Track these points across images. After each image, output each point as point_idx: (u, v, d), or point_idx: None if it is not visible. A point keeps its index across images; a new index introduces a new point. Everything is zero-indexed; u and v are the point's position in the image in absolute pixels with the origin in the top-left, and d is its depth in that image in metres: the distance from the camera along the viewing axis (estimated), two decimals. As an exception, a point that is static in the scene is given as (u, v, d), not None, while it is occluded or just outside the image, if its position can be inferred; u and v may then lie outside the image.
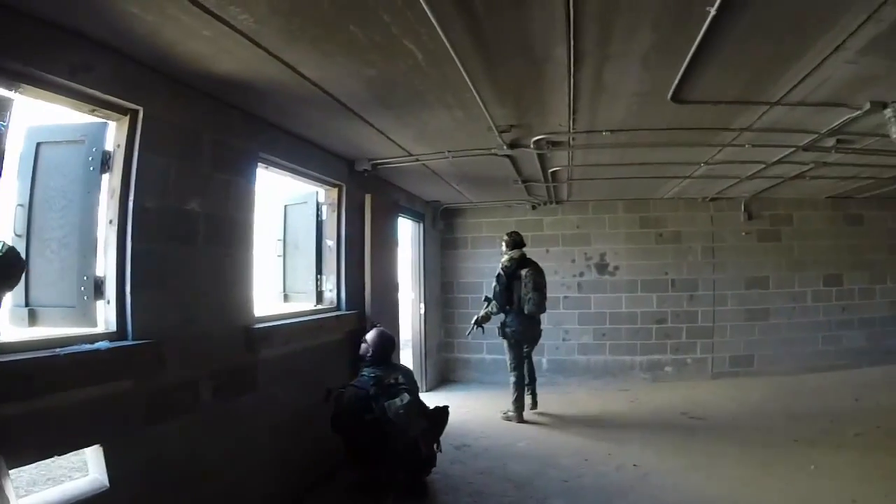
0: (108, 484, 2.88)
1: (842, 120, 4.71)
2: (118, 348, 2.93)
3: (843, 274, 9.49)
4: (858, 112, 4.45)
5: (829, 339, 9.39)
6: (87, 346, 2.79)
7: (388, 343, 5.39)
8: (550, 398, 8.20)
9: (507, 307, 7.35)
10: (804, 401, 7.71)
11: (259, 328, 4.21)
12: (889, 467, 5.17)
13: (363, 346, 5.34)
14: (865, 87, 4.07)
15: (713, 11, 2.83)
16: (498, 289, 7.33)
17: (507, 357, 7.52)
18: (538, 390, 7.67)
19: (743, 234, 9.51)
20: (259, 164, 4.45)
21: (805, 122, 4.88)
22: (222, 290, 3.90)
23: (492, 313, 7.44)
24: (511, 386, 7.42)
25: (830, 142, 5.42)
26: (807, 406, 7.43)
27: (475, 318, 7.58)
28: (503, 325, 7.40)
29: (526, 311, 7.25)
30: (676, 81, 3.81)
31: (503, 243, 7.66)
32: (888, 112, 4.36)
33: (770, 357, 9.38)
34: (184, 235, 3.53)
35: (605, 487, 5.06)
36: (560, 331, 9.47)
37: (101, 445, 2.87)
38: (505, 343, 7.48)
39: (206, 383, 3.64)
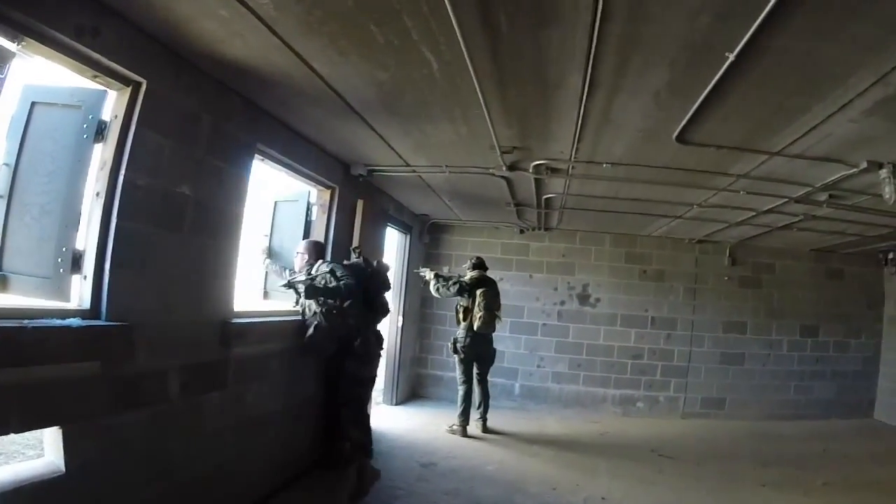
0: (63, 469, 2.75)
1: (837, 176, 4.80)
2: (89, 328, 2.81)
3: (820, 325, 9.67)
4: (854, 170, 4.54)
5: (801, 388, 9.58)
6: (57, 322, 2.67)
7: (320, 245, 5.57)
8: (521, 423, 8.32)
9: (460, 322, 7.60)
10: (773, 447, 7.77)
11: (236, 324, 4.10)
12: None
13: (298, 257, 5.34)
14: (864, 147, 4.15)
15: (732, 58, 2.85)
16: (451, 290, 7.47)
17: (456, 371, 7.72)
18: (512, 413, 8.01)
19: (725, 278, 9.65)
20: (256, 155, 4.36)
21: (801, 174, 4.93)
22: (203, 281, 3.79)
23: (437, 284, 7.53)
24: (459, 399, 7.59)
25: (823, 196, 5.48)
26: (776, 452, 7.48)
27: (429, 271, 7.79)
28: (455, 340, 7.65)
29: (475, 329, 7.43)
30: (684, 122, 3.84)
31: (468, 263, 7.84)
32: (883, 172, 4.44)
33: (742, 401, 9.51)
34: (171, 219, 3.42)
35: (572, 520, 4.96)
36: (535, 357, 9.46)
37: (61, 428, 2.74)
38: (455, 358, 7.68)
39: (175, 375, 3.51)
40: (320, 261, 5.24)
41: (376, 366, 5.64)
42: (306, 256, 5.28)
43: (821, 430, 8.77)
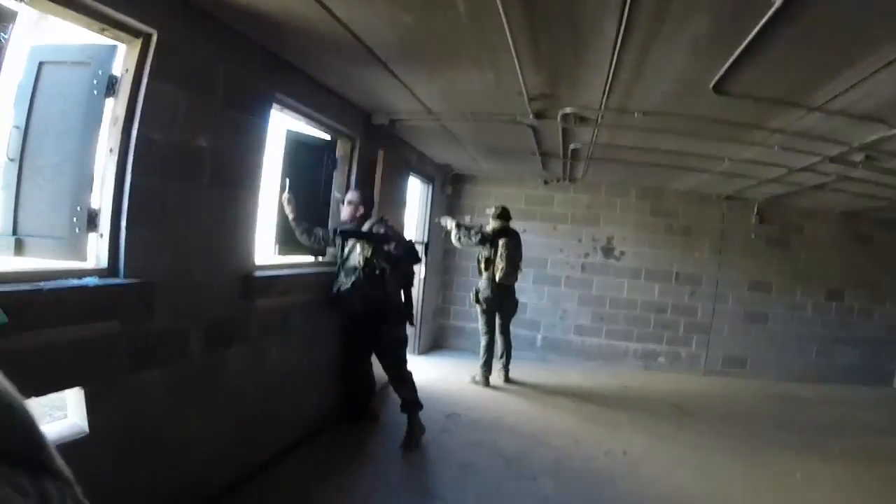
0: (87, 430, 2.74)
1: (876, 136, 4.61)
2: (107, 287, 2.75)
3: (846, 290, 9.54)
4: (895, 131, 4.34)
5: (823, 352, 9.51)
6: (74, 282, 2.61)
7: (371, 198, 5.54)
8: (543, 375, 8.42)
9: (482, 273, 7.61)
10: (792, 409, 7.80)
11: (258, 277, 4.05)
12: (872, 486, 5.26)
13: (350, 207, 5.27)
14: None
15: (778, 3, 2.65)
16: (473, 240, 7.42)
17: (478, 322, 7.77)
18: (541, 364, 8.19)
19: (752, 236, 9.46)
20: (274, 105, 4.23)
21: (839, 132, 4.73)
22: (223, 234, 3.71)
23: (458, 234, 7.45)
24: (481, 350, 7.66)
25: (859, 157, 5.28)
26: (795, 415, 7.51)
27: (450, 220, 7.70)
28: (476, 290, 7.67)
29: (496, 279, 7.43)
30: (722, 71, 3.63)
31: (491, 211, 7.76)
32: None
33: (763, 361, 9.49)
34: (188, 172, 3.33)
35: (594, 472, 5.09)
36: (558, 309, 9.40)
37: (83, 388, 2.72)
38: (478, 308, 7.73)
39: (196, 330, 3.47)
40: (374, 220, 5.21)
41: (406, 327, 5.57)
42: (361, 209, 5.22)
43: (841, 395, 8.74)
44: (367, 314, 5.11)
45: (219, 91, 3.50)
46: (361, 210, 5.22)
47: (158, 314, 3.10)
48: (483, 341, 7.61)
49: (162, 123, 3.06)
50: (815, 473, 5.44)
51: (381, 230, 5.06)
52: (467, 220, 8.11)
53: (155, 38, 2.95)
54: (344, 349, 5.53)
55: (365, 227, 5.09)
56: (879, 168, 5.59)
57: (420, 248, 5.48)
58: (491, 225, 7.60)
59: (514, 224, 7.83)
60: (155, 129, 3.01)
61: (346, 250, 5.09)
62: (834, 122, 4.45)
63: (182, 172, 3.27)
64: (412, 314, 5.43)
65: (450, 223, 7.57)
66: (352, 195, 5.29)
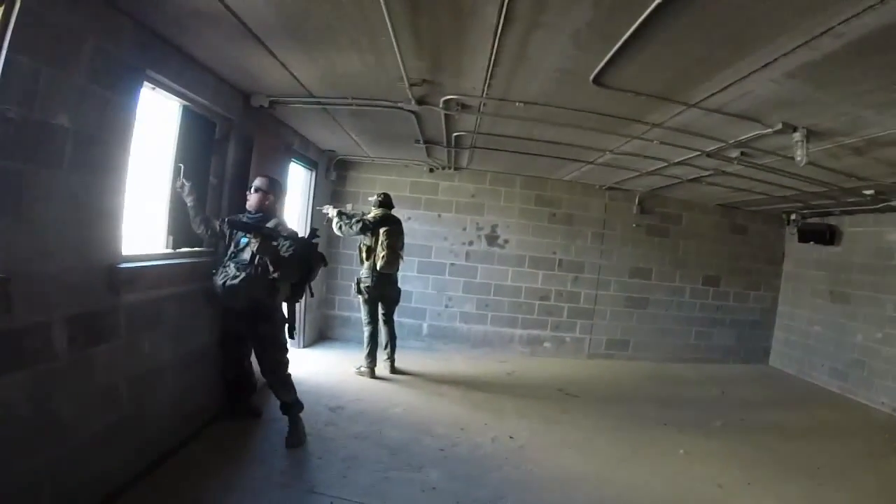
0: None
1: (751, 134, 4.86)
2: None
3: (722, 277, 10.28)
4: (769, 130, 4.61)
5: (702, 334, 10.21)
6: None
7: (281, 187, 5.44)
8: (429, 363, 8.48)
9: (363, 262, 7.53)
10: (674, 388, 8.25)
11: (125, 268, 3.76)
12: (751, 457, 5.59)
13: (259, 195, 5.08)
14: (781, 109, 4.21)
15: (659, -1, 2.70)
16: (354, 229, 7.29)
17: (361, 312, 7.68)
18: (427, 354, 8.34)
19: (633, 225, 9.92)
20: (146, 83, 3.95)
21: (715, 129, 4.96)
22: (87, 222, 3.42)
23: (339, 222, 7.33)
24: (364, 340, 7.58)
25: (735, 153, 5.58)
26: (677, 394, 7.93)
27: (331, 208, 7.60)
28: (358, 280, 7.56)
29: (378, 268, 7.36)
30: (602, 64, 3.72)
31: (373, 199, 7.74)
32: (797, 135, 4.56)
33: (645, 344, 10.02)
34: (48, 155, 3.03)
35: (480, 458, 5.13)
36: (443, 297, 9.42)
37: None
38: (360, 298, 7.65)
39: (60, 328, 3.19)
40: (279, 220, 5.07)
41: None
42: (270, 196, 5.08)
43: (719, 374, 9.38)
44: (250, 312, 4.92)
45: (84, 65, 3.21)
46: (271, 198, 5.06)
47: (16, 312, 2.82)
48: (367, 331, 7.52)
49: (20, 100, 2.78)
50: (698, 448, 5.72)
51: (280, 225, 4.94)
52: (349, 207, 7.90)
53: (18, 5, 2.67)
54: (223, 345, 5.30)
55: (272, 221, 4.94)
56: (754, 164, 5.88)
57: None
58: (373, 213, 7.52)
59: (399, 212, 7.80)
60: (12, 107, 2.73)
61: (242, 242, 4.85)
62: (711, 119, 4.64)
63: (41, 154, 2.98)
64: (294, 326, 5.25)
65: (331, 211, 7.41)
66: (260, 182, 5.09)
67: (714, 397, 7.91)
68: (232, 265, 4.78)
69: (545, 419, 6.33)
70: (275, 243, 4.67)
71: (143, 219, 4.35)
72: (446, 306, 9.61)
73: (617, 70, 3.78)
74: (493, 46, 3.63)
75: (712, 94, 4.08)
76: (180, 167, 4.59)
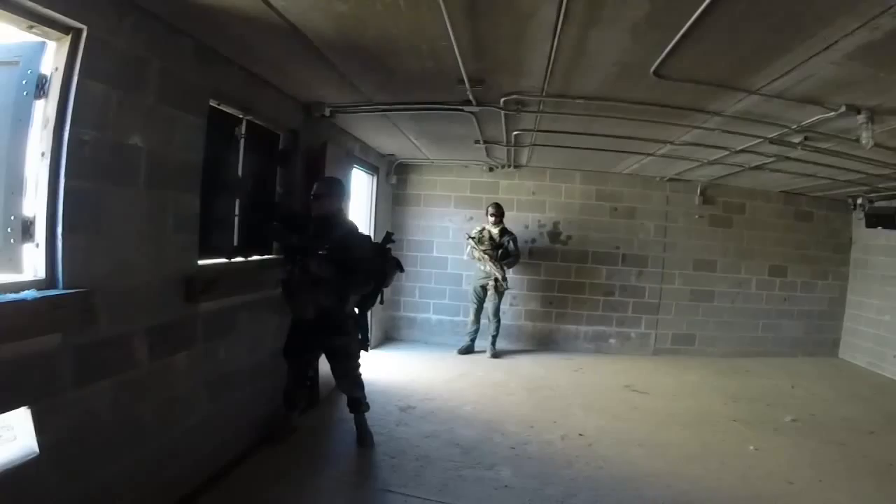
0: (37, 449, 2.63)
1: (814, 118, 4.73)
2: (46, 298, 2.60)
3: (788, 266, 9.90)
4: (832, 113, 4.48)
5: (769, 326, 9.87)
6: (11, 296, 2.47)
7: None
8: (495, 361, 8.54)
9: (493, 263, 8.54)
10: (743, 383, 8.02)
11: (200, 279, 3.90)
12: (822, 454, 5.43)
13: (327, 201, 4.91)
14: (844, 91, 4.09)
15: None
16: (514, 248, 8.68)
17: (498, 306, 8.80)
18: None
19: (696, 217, 9.69)
20: (211, 100, 4.10)
21: (778, 114, 4.84)
22: (163, 236, 3.57)
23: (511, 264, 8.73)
24: (498, 330, 8.86)
25: (798, 138, 5.41)
26: (745, 389, 7.71)
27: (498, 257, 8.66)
28: (501, 280, 8.60)
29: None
30: (662, 56, 3.67)
31: (494, 214, 8.72)
32: (861, 118, 4.41)
33: (711, 338, 9.75)
34: (124, 173, 3.19)
35: (551, 456, 5.11)
36: (508, 296, 9.34)
37: (29, 407, 2.60)
38: (498, 297, 8.74)
39: (140, 338, 3.35)
40: (348, 227, 4.99)
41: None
42: (334, 200, 4.94)
43: (787, 367, 9.06)
44: (321, 323, 4.80)
45: (152, 87, 3.36)
46: (335, 201, 4.90)
47: (101, 324, 2.98)
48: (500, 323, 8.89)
49: (94, 123, 2.93)
50: (768, 445, 5.58)
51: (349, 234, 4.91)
52: (475, 233, 8.67)
53: (85, 33, 2.81)
54: (288, 355, 5.06)
55: (338, 229, 4.82)
56: (818, 149, 5.73)
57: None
58: (497, 227, 8.73)
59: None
60: (87, 130, 2.87)
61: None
62: (772, 104, 4.54)
63: (117, 174, 3.14)
64: (367, 337, 5.20)
65: (481, 257, 8.65)
66: (319, 186, 4.93)
67: (783, 391, 7.68)
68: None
69: (614, 416, 6.27)
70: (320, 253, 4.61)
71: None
72: (511, 304, 9.57)
73: (676, 60, 3.73)
74: (552, 45, 3.63)
75: (773, 80, 3.99)
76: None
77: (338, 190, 5.00)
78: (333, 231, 4.77)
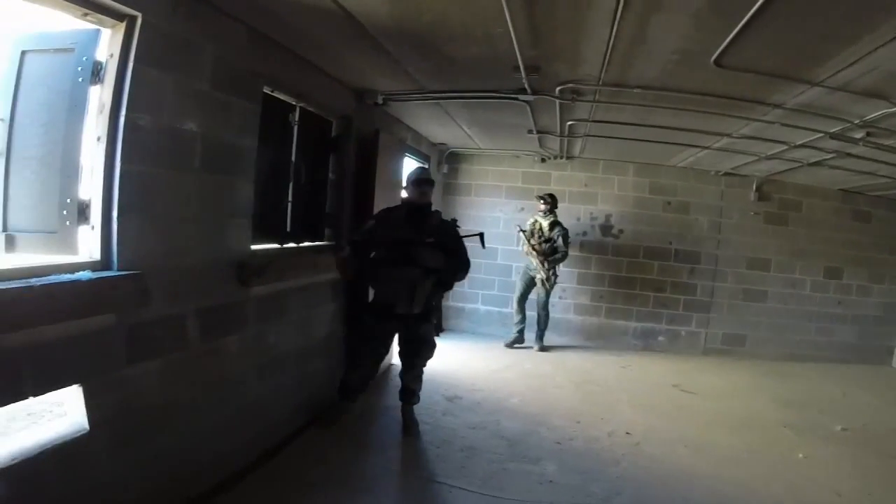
0: (87, 427, 2.67)
1: (878, 113, 4.57)
2: (101, 279, 2.64)
3: (844, 268, 9.52)
4: None
5: (823, 330, 9.51)
6: (67, 277, 2.51)
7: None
8: (543, 354, 8.51)
9: (548, 258, 8.53)
10: (793, 388, 7.79)
11: (253, 263, 3.93)
12: (873, 466, 5.23)
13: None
14: None
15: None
16: (563, 244, 8.49)
17: (546, 300, 8.71)
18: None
19: (751, 213, 9.43)
20: (265, 86, 4.13)
21: (840, 108, 4.68)
22: (217, 220, 3.62)
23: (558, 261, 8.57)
24: (546, 323, 8.80)
25: (860, 133, 5.23)
26: (796, 393, 7.49)
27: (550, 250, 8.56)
28: (552, 275, 8.60)
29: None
30: (724, 44, 3.56)
31: (546, 202, 8.57)
32: None
33: (763, 339, 9.48)
34: (178, 158, 3.23)
35: (597, 453, 5.06)
36: (558, 288, 9.24)
37: (81, 385, 2.65)
38: (545, 291, 8.64)
39: (192, 319, 3.40)
40: (439, 216, 5.15)
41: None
42: (432, 191, 5.06)
43: (840, 373, 8.75)
44: (409, 312, 4.90)
45: (207, 73, 3.39)
46: (431, 192, 5.03)
47: (153, 305, 3.01)
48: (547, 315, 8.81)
49: (149, 108, 2.96)
50: (817, 453, 5.41)
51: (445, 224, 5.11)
52: (528, 225, 8.68)
53: (139, 20, 2.83)
54: (364, 345, 5.07)
55: (434, 218, 5.02)
56: (880, 145, 5.53)
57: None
58: (548, 220, 8.60)
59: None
60: (142, 115, 2.91)
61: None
62: (835, 97, 4.38)
63: (172, 158, 3.17)
64: (441, 322, 5.46)
65: (530, 251, 8.61)
66: (424, 174, 5.14)
67: (834, 399, 7.43)
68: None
69: (661, 415, 6.18)
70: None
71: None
72: (560, 297, 9.47)
73: (738, 49, 3.62)
74: (610, 32, 3.54)
75: (837, 72, 3.84)
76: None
77: (433, 179, 5.12)
78: (429, 219, 4.94)
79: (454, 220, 5.25)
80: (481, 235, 5.37)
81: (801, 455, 5.33)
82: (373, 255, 4.92)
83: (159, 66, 3.00)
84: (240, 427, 4.00)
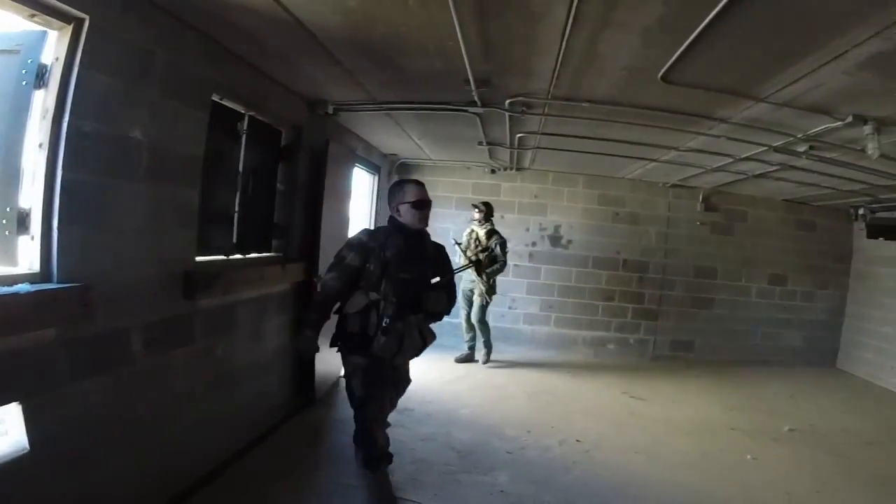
0: (27, 446, 2.55)
1: (821, 128, 4.71)
2: (41, 292, 2.52)
3: (789, 275, 9.97)
4: (839, 123, 4.46)
5: (769, 335, 9.93)
6: (4, 289, 2.39)
7: None
8: (493, 365, 8.45)
9: (486, 269, 8.08)
10: (741, 391, 8.04)
11: (199, 275, 3.83)
12: (821, 464, 5.44)
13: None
14: (852, 101, 4.06)
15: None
16: (501, 253, 8.10)
17: (480, 315, 8.28)
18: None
19: (698, 223, 9.74)
20: (214, 94, 4.06)
21: (785, 123, 4.80)
22: (162, 231, 3.50)
23: (496, 272, 8.17)
24: (489, 337, 8.47)
25: (803, 147, 5.39)
26: (744, 397, 7.74)
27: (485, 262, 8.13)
28: (491, 287, 8.18)
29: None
30: (672, 61, 3.62)
31: (481, 210, 8.21)
32: (867, 128, 4.40)
33: (710, 345, 9.82)
34: (123, 166, 3.12)
35: (548, 462, 5.10)
36: (507, 299, 9.36)
37: (20, 403, 2.53)
38: (483, 300, 8.20)
39: (138, 334, 3.29)
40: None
41: None
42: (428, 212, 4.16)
43: (787, 376, 9.07)
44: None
45: (155, 80, 3.30)
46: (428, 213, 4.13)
47: (96, 319, 2.90)
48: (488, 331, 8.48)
49: (95, 115, 2.86)
50: (766, 454, 5.58)
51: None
52: (460, 242, 8.35)
53: (87, 23, 2.74)
54: (373, 400, 4.03)
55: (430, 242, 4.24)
56: (823, 158, 5.71)
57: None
58: (486, 227, 8.26)
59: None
60: (87, 121, 2.81)
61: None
62: (780, 113, 4.51)
63: (117, 166, 3.07)
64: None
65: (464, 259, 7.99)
66: (424, 193, 4.09)
67: (782, 401, 7.70)
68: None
69: (611, 422, 6.27)
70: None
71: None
72: (510, 308, 9.58)
73: (686, 66, 3.69)
74: (560, 47, 3.58)
75: (783, 88, 3.95)
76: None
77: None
78: (425, 246, 4.17)
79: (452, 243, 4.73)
80: (477, 263, 4.70)
81: (750, 457, 5.48)
82: (359, 300, 3.93)
83: (107, 72, 2.91)
84: (192, 443, 3.91)
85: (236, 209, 4.71)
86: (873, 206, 8.98)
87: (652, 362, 9.60)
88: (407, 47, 3.89)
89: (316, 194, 5.70)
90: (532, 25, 3.35)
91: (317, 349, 3.92)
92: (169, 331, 3.61)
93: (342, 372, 4.21)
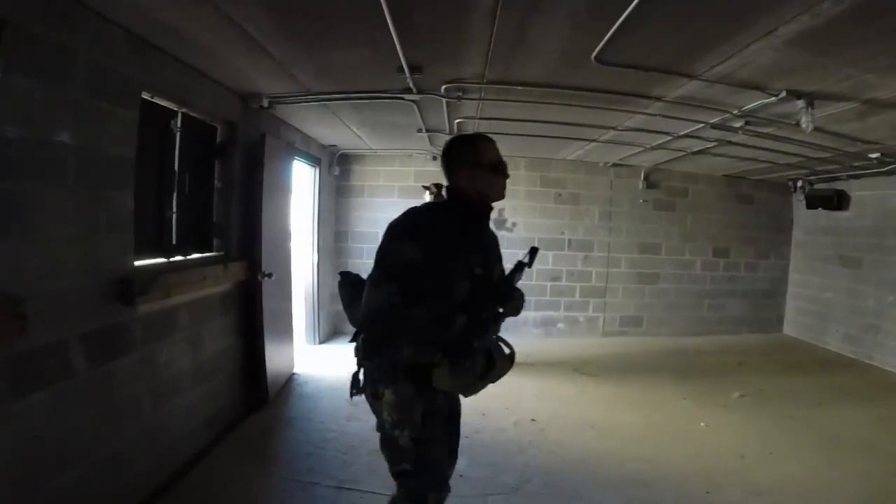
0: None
1: (755, 103, 4.82)
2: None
3: (731, 248, 10.28)
4: (773, 98, 4.58)
5: (714, 306, 10.24)
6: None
7: None
8: None
9: None
10: (691, 362, 8.30)
11: (137, 280, 3.72)
12: (771, 427, 5.65)
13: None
14: (784, 77, 4.15)
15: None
16: None
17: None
18: None
19: (640, 201, 9.94)
20: (143, 92, 3.93)
21: (719, 100, 4.90)
22: (96, 237, 3.39)
23: None
24: None
25: (739, 123, 5.54)
26: (694, 367, 8.00)
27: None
28: None
29: None
30: (604, 42, 3.65)
31: (433, 192, 7.86)
32: (801, 103, 4.53)
33: (658, 319, 10.06)
34: (51, 172, 3.01)
35: (504, 443, 5.17)
36: (455, 285, 9.34)
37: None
38: None
39: (76, 345, 3.18)
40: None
41: None
42: None
43: (734, 344, 9.44)
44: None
45: (80, 80, 3.18)
46: None
47: (33, 332, 2.78)
48: None
49: (17, 119, 2.74)
50: (718, 421, 5.76)
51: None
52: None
53: (5, 25, 2.61)
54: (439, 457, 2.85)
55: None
56: (759, 133, 5.86)
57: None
58: None
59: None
60: (10, 127, 2.69)
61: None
62: (714, 90, 4.59)
63: (43, 172, 2.96)
64: None
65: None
66: (497, 151, 2.95)
67: (731, 368, 7.95)
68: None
69: (564, 400, 6.38)
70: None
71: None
72: (458, 293, 9.53)
73: (618, 47, 3.72)
74: (491, 32, 3.59)
75: (714, 66, 4.03)
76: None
77: None
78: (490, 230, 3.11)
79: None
80: (532, 253, 3.01)
81: (703, 424, 5.66)
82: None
83: (29, 73, 2.80)
84: (143, 453, 3.84)
85: (174, 210, 4.59)
86: (811, 178, 9.32)
87: (602, 339, 9.80)
88: (337, 37, 3.87)
89: (254, 190, 5.61)
90: (459, 10, 3.34)
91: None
92: (109, 340, 3.51)
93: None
